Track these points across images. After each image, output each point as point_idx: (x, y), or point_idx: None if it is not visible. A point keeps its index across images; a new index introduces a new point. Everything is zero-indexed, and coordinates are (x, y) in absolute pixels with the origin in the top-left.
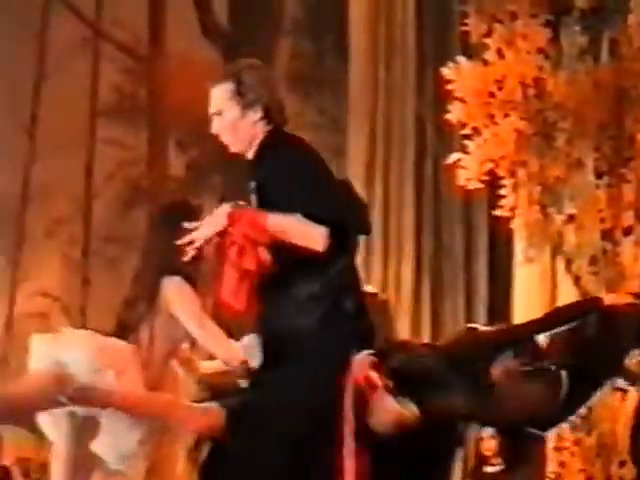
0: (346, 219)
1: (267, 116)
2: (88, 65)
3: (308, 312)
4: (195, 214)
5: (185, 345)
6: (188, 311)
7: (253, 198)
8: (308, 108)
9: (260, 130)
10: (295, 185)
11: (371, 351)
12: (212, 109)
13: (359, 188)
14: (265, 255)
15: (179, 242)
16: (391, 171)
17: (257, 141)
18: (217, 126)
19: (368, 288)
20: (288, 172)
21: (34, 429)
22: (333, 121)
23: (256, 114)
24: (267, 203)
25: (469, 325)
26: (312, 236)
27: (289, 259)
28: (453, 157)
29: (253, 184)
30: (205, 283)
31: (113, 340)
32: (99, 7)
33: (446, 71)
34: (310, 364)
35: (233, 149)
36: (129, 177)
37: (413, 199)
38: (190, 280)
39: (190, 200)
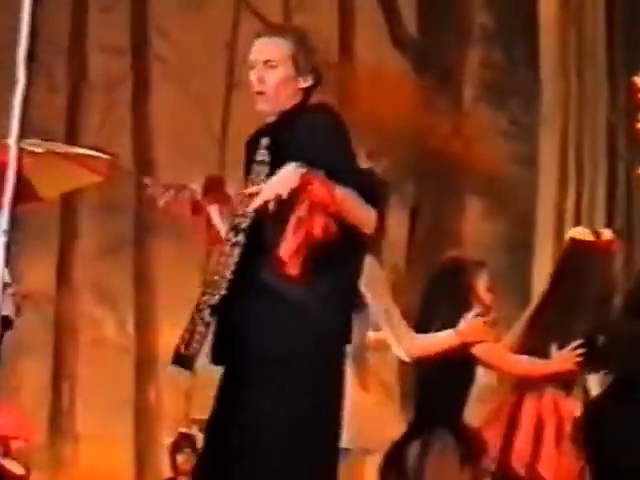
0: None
1: (312, 87)
2: None
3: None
4: None
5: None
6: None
7: (264, 153)
8: (499, 117)
9: (297, 96)
10: (339, 159)
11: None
12: (263, 56)
13: (551, 196)
14: (333, 226)
15: (244, 192)
16: (583, 180)
17: (288, 105)
18: (262, 75)
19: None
20: (329, 142)
21: None
22: (524, 130)
23: (306, 82)
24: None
25: None
26: (366, 216)
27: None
28: None
29: (266, 141)
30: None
31: None
32: (288, 16)
33: (638, 80)
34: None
35: (263, 105)
36: None
37: (605, 208)
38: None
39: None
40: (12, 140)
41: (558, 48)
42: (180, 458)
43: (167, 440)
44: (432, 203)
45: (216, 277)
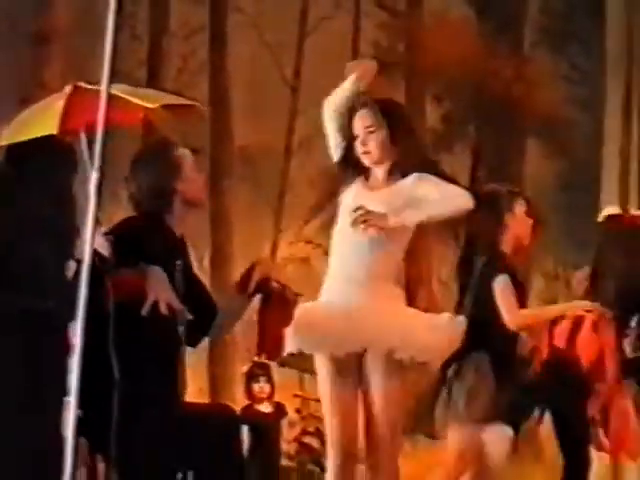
0: None
1: None
2: (348, 22)
3: None
4: None
5: None
6: None
7: None
8: (559, 62)
9: None
10: None
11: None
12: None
13: (612, 141)
14: None
15: None
16: None
17: None
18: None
19: None
20: None
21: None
22: (584, 74)
23: None
24: None
25: None
26: None
27: None
28: None
29: None
30: None
31: None
32: None
33: None
34: None
35: None
36: None
37: None
38: None
39: None
40: (103, 86)
41: None
42: (256, 387)
43: (242, 369)
44: (494, 144)
45: None
